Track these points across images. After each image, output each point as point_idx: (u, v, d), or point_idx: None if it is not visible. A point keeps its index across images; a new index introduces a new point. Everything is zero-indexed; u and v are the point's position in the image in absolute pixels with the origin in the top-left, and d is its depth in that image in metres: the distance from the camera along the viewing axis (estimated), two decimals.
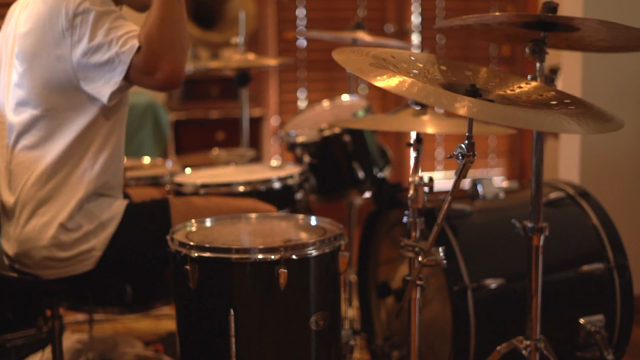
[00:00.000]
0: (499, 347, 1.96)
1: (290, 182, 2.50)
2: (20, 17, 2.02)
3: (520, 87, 1.61)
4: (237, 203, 2.24)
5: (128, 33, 1.90)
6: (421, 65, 1.63)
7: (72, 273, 2.03)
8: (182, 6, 1.97)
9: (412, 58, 1.63)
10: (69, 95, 1.97)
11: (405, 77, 1.48)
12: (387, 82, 1.44)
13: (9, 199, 2.04)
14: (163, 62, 1.90)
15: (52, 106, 1.97)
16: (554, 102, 1.57)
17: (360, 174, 2.79)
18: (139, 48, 1.89)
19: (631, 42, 1.85)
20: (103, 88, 1.92)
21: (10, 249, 2.05)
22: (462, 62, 1.75)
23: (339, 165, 2.82)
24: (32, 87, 1.97)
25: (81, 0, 1.90)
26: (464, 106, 1.40)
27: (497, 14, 1.78)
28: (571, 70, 3.13)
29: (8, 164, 2.05)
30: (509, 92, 1.62)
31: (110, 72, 1.90)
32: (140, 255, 2.09)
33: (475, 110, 1.40)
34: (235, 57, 3.11)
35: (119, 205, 2.08)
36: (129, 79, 1.93)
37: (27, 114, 1.99)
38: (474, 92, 1.54)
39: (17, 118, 2.01)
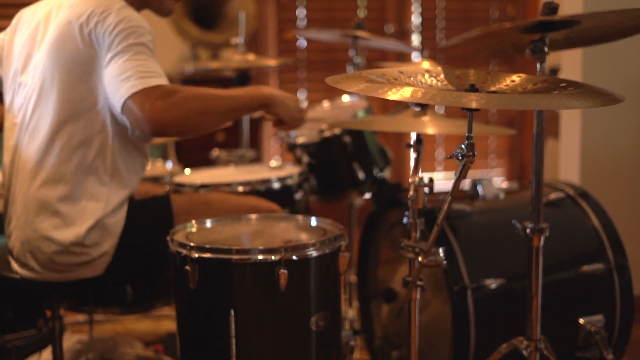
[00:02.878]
0: (499, 347, 1.96)
1: (289, 182, 2.51)
2: (52, 19, 2.02)
3: (513, 81, 1.62)
4: (239, 200, 2.23)
5: (152, 68, 1.90)
6: (412, 78, 1.64)
7: (82, 277, 2.03)
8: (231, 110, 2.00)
9: (401, 72, 1.65)
10: (90, 107, 1.97)
11: (415, 87, 1.51)
12: (401, 93, 1.45)
13: (19, 198, 2.03)
14: (166, 117, 1.88)
15: (71, 111, 1.97)
16: (551, 88, 1.59)
17: (361, 175, 2.79)
18: (156, 87, 1.88)
19: (633, 22, 1.82)
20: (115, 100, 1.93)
21: (15, 246, 2.04)
22: (447, 66, 1.76)
23: (339, 165, 2.82)
24: (56, 89, 1.98)
25: (130, 25, 1.92)
26: (472, 100, 1.42)
27: (496, 25, 1.78)
28: (571, 70, 3.13)
29: (17, 163, 2.05)
30: (503, 86, 1.63)
31: (124, 91, 1.90)
32: (145, 254, 2.09)
33: (484, 101, 1.42)
34: (235, 58, 3.12)
35: (122, 207, 2.07)
36: (127, 106, 1.90)
37: (47, 116, 1.99)
38: (474, 90, 1.55)
39: (35, 118, 2.01)
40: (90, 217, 1.98)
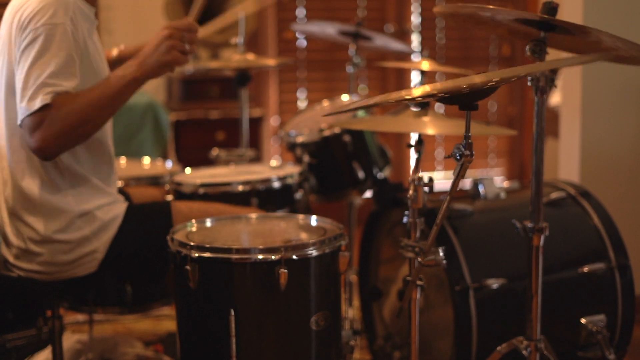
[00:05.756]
0: (499, 347, 1.96)
1: (289, 181, 2.50)
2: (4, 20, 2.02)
3: None
4: (239, 212, 2.22)
5: (49, 85, 1.83)
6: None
7: (75, 275, 2.03)
8: (120, 103, 1.93)
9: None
10: None
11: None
12: (413, 92, 1.47)
13: (7, 205, 2.04)
14: (50, 136, 1.83)
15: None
16: None
17: (360, 174, 2.79)
18: (46, 106, 1.82)
19: (633, 52, 1.83)
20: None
21: (9, 254, 2.04)
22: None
23: (339, 165, 2.82)
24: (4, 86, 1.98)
25: (41, 25, 1.86)
26: (481, 76, 1.42)
27: (499, 7, 1.78)
28: (571, 70, 3.13)
29: (5, 167, 2.05)
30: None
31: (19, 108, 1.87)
32: (142, 258, 2.09)
33: (494, 76, 1.42)
34: (235, 57, 3.11)
35: (120, 207, 2.08)
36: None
37: (9, 119, 2.00)
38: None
39: (9, 119, 2.01)
40: (63, 211, 1.99)
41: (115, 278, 2.14)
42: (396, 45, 3.50)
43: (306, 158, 2.76)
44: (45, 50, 1.85)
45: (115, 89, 1.91)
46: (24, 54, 1.86)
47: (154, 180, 2.71)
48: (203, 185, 2.42)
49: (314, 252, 1.79)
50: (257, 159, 3.42)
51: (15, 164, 2.00)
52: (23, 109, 1.84)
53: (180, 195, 2.43)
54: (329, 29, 3.37)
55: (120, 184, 2.57)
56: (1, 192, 2.05)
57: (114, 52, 2.32)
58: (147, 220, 2.12)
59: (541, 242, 1.88)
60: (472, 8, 1.82)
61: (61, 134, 1.84)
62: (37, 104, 1.82)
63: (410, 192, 1.79)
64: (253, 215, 2.10)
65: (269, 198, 2.39)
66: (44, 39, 1.85)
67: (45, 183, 1.99)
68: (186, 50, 1.97)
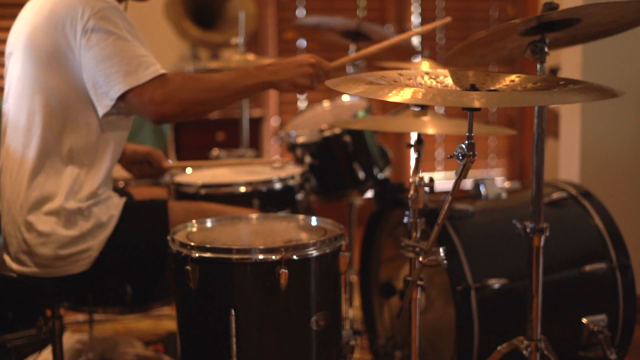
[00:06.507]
0: (499, 347, 1.96)
1: (291, 182, 2.50)
2: (31, 14, 2.02)
3: (512, 81, 1.62)
4: (237, 212, 2.22)
5: (144, 56, 1.90)
6: (412, 80, 1.64)
7: (68, 273, 2.03)
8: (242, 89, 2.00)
9: (401, 74, 1.64)
10: (73, 97, 1.97)
11: (415, 88, 1.50)
12: (401, 95, 1.45)
13: (10, 200, 2.04)
14: (174, 103, 1.91)
15: (55, 106, 1.97)
16: (550, 86, 1.59)
17: (361, 175, 2.79)
18: (162, 75, 1.90)
19: (634, 14, 1.81)
20: (102, 98, 1.93)
21: (11, 247, 2.05)
22: (447, 68, 1.75)
23: (340, 165, 2.82)
24: (40, 85, 1.97)
25: (100, 8, 1.90)
26: (473, 99, 1.42)
27: (496, 27, 1.78)
28: (571, 70, 3.13)
29: (6, 163, 2.05)
30: (503, 86, 1.63)
31: (112, 85, 1.90)
32: (137, 257, 2.09)
33: (485, 100, 1.42)
34: (235, 58, 3.11)
35: (117, 205, 2.07)
36: (126, 99, 1.92)
37: (29, 113, 2.00)
38: (474, 90, 1.54)
39: (20, 116, 2.01)
40: (70, 200, 1.99)
41: (114, 277, 2.14)
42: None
43: (307, 158, 2.76)
44: (116, 32, 1.89)
45: (245, 84, 1.99)
46: (94, 38, 1.89)
47: (154, 180, 2.71)
48: (204, 186, 2.42)
49: (314, 253, 1.79)
50: (257, 159, 3.42)
51: (21, 162, 2.02)
52: (130, 79, 1.88)
53: (181, 195, 2.43)
54: (331, 23, 3.36)
55: (121, 184, 2.58)
56: (5, 187, 2.07)
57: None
58: (143, 219, 2.12)
59: (542, 243, 1.88)
60: (474, 37, 1.82)
61: (185, 101, 1.92)
62: (149, 74, 1.88)
63: (411, 192, 1.79)
64: (253, 216, 2.10)
65: (270, 199, 2.39)
66: (110, 22, 1.89)
67: (47, 182, 1.99)
68: (315, 84, 2.08)
